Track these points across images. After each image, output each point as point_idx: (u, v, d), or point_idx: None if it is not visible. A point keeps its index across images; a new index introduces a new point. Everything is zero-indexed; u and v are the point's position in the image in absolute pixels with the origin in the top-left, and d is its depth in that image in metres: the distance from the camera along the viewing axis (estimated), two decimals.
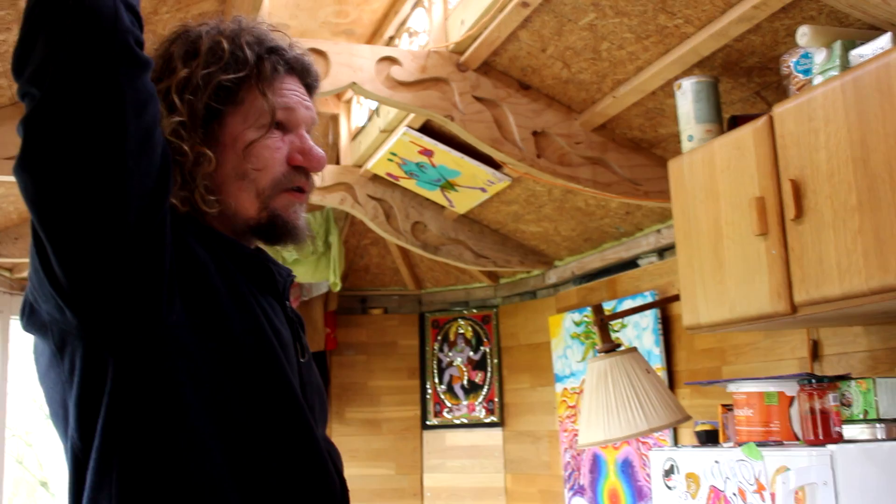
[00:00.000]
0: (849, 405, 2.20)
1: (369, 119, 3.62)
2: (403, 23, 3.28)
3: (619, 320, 3.63)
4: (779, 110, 2.07)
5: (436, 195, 3.87)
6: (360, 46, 2.90)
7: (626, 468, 3.61)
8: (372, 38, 3.51)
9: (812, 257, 1.96)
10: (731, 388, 2.33)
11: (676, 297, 2.59)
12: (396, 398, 4.86)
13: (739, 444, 2.14)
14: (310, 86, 1.30)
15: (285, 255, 3.93)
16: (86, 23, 0.92)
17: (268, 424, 1.11)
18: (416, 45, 3.14)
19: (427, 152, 3.43)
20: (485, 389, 4.73)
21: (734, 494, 2.10)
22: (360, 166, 3.84)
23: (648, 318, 3.50)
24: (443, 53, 2.83)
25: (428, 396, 4.84)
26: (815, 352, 2.70)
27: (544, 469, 4.33)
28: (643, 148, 3.03)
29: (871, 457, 1.95)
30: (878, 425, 2.12)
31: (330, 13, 3.36)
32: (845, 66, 1.98)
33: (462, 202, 3.85)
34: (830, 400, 2.06)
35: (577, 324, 4.03)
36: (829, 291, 1.92)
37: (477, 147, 2.99)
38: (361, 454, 4.77)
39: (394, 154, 3.51)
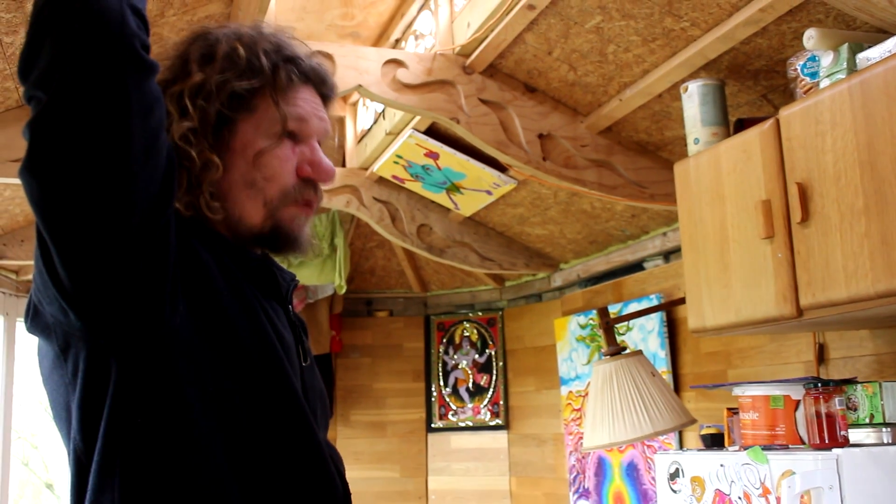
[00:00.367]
0: (855, 409, 2.19)
1: (375, 121, 3.63)
2: (409, 25, 3.29)
3: (625, 323, 3.62)
4: (785, 113, 2.06)
5: (441, 198, 3.87)
6: (366, 49, 2.90)
7: (632, 471, 3.61)
8: (378, 40, 3.52)
9: (818, 260, 1.95)
10: (737, 391, 2.32)
11: (682, 301, 2.59)
12: (401, 401, 4.86)
13: (745, 448, 2.13)
14: (326, 96, 1.30)
15: (290, 258, 3.93)
16: (93, 27, 0.92)
17: (270, 427, 1.11)
18: (423, 48, 3.15)
19: (433, 155, 3.43)
20: (490, 392, 4.72)
21: (739, 498, 2.10)
22: (365, 169, 3.84)
23: (654, 321, 3.49)
24: (449, 56, 2.84)
25: (433, 399, 4.84)
26: (821, 355, 2.70)
27: (549, 472, 4.33)
28: (649, 151, 3.03)
29: (876, 461, 1.94)
30: (884, 429, 2.11)
31: (336, 16, 3.36)
32: (852, 69, 1.97)
33: (467, 205, 3.85)
34: (836, 404, 2.06)
35: (583, 327, 4.02)
36: (836, 295, 1.91)
37: (482, 150, 2.99)
38: (366, 457, 4.77)
39: (399, 156, 3.51)
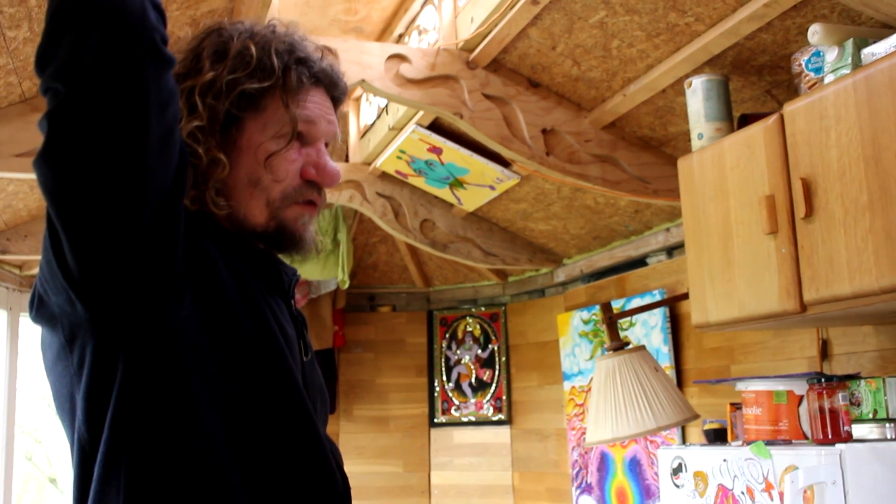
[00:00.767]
0: (858, 404, 2.19)
1: (378, 117, 3.62)
2: (413, 20, 3.29)
3: (628, 318, 3.62)
4: (789, 109, 2.06)
5: (444, 193, 3.87)
6: (369, 44, 2.90)
7: (634, 466, 3.61)
8: (381, 35, 3.51)
9: (822, 256, 1.95)
10: (740, 386, 2.32)
11: (685, 296, 2.59)
12: (404, 396, 4.86)
13: (748, 443, 2.13)
14: (336, 99, 1.30)
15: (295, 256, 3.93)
16: (114, 20, 0.92)
17: (273, 420, 1.12)
18: (426, 43, 3.14)
19: (436, 150, 3.43)
20: (493, 387, 4.73)
21: (742, 493, 2.10)
22: (368, 164, 3.84)
23: (657, 317, 3.49)
24: (452, 51, 2.83)
25: (436, 394, 4.85)
26: (825, 351, 2.70)
27: (552, 467, 4.33)
28: (653, 146, 3.03)
29: (880, 456, 1.94)
30: (887, 425, 2.11)
31: (339, 11, 3.36)
32: (857, 64, 1.97)
33: (471, 200, 3.85)
34: (840, 399, 2.06)
35: (586, 322, 4.02)
36: (840, 290, 1.91)
37: (486, 145, 2.98)
38: (369, 451, 4.77)
39: (403, 152, 3.51)
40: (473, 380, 4.79)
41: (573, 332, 4.11)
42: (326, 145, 1.27)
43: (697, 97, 2.40)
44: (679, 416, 2.50)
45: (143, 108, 0.94)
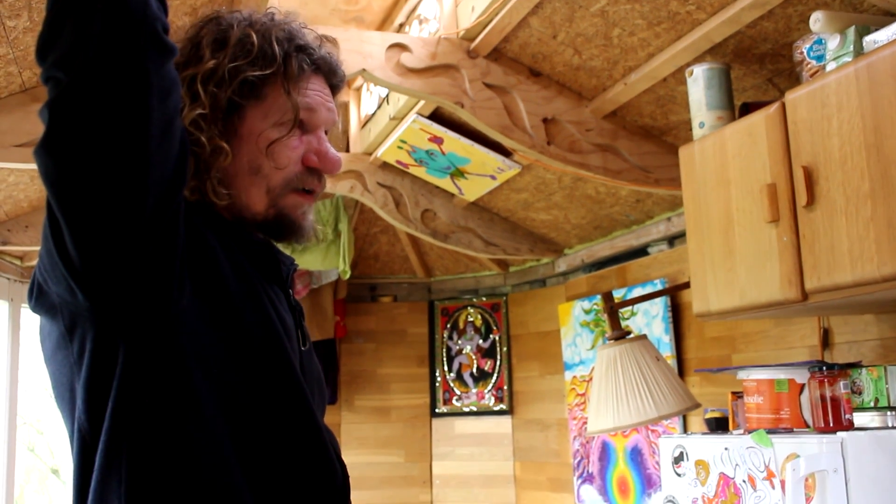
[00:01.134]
0: (859, 393, 2.19)
1: (379, 106, 3.62)
2: (414, 10, 3.28)
3: (629, 308, 3.62)
4: (791, 97, 2.06)
5: (445, 183, 3.86)
6: (370, 33, 2.89)
7: (636, 456, 3.61)
8: (382, 25, 3.50)
9: (824, 244, 1.95)
10: (742, 375, 2.32)
11: (686, 285, 2.59)
12: (406, 386, 4.87)
13: (749, 432, 2.14)
14: (335, 86, 1.31)
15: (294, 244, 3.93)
16: (116, 9, 0.92)
17: (273, 410, 1.12)
18: (427, 32, 3.14)
19: (437, 140, 3.42)
20: (494, 377, 4.73)
21: (744, 482, 2.10)
22: (369, 154, 3.84)
23: (658, 306, 3.49)
24: (453, 40, 2.83)
25: (437, 384, 4.85)
26: (826, 340, 2.70)
27: (553, 457, 4.34)
28: (654, 135, 3.02)
29: (881, 444, 1.94)
30: (888, 413, 2.11)
31: (340, 0, 3.35)
32: (859, 52, 1.96)
33: (472, 190, 3.84)
34: (841, 387, 2.06)
35: (587, 312, 4.02)
36: (841, 278, 1.91)
37: (487, 134, 2.98)
38: (370, 442, 4.78)
39: (403, 141, 3.51)
40: (475, 370, 4.79)
41: (574, 321, 4.11)
42: (326, 133, 1.27)
43: (699, 86, 2.39)
44: (680, 405, 2.50)
45: (145, 98, 0.94)
